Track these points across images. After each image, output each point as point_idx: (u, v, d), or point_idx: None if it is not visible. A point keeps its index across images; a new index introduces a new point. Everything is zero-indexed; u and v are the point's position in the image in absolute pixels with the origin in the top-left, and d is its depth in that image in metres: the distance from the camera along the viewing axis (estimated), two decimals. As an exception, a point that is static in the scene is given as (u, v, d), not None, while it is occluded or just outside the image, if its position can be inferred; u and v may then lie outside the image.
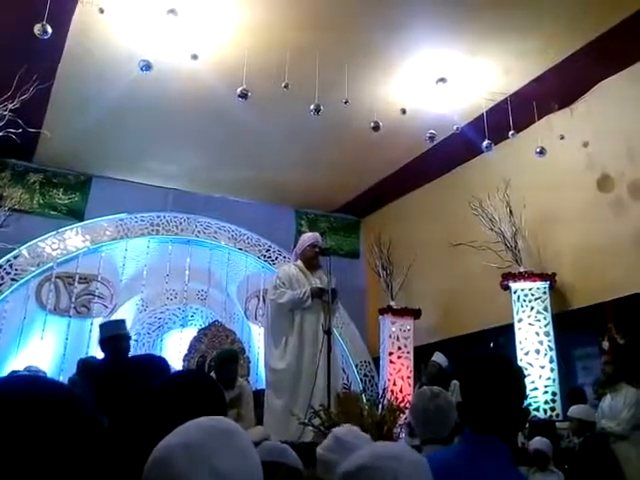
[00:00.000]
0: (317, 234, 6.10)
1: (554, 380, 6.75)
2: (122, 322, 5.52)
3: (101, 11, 5.43)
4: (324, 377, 4.96)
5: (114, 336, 5.05)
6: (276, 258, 9.79)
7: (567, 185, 7.22)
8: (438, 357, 6.83)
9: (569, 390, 6.54)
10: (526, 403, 6.45)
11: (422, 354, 8.15)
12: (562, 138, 6.83)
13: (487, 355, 2.23)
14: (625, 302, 6.21)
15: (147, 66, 5.62)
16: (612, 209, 6.70)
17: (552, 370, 6.79)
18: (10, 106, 6.11)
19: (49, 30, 4.85)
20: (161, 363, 2.45)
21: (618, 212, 6.63)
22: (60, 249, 8.60)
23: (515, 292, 7.20)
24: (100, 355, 5.40)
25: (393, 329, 8.80)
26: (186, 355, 8.44)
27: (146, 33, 6.04)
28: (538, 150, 6.69)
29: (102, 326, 5.45)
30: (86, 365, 5.59)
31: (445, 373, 6.56)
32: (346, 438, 2.18)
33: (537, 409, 6.59)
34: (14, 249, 8.16)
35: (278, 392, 5.31)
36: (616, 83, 6.74)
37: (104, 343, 5.10)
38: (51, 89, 6.89)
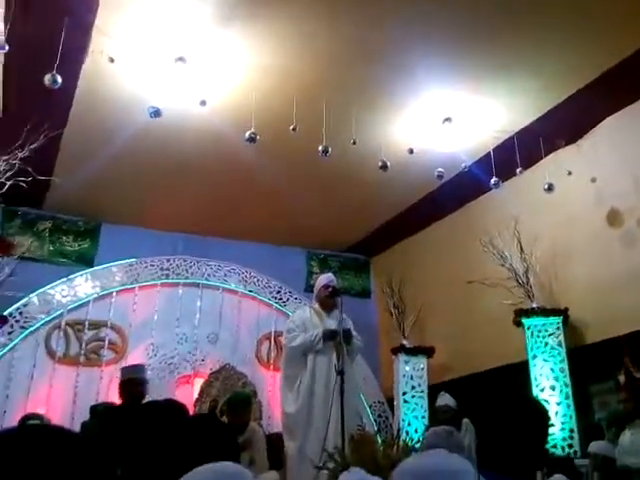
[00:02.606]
0: (330, 275, 6.13)
1: (571, 417, 6.64)
2: (139, 367, 5.59)
3: (111, 60, 5.52)
4: (337, 419, 4.90)
5: (128, 380, 5.11)
6: (287, 300, 9.75)
7: (577, 220, 7.21)
8: (446, 399, 6.71)
9: (586, 426, 6.44)
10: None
11: (436, 393, 8.05)
12: (570, 174, 6.85)
13: (511, 394, 2.18)
14: (640, 336, 6.14)
15: (156, 112, 5.71)
16: (623, 243, 6.66)
17: (568, 406, 6.69)
18: (20, 155, 6.18)
19: (59, 80, 4.94)
20: (179, 408, 2.44)
21: (629, 246, 6.59)
22: (70, 296, 8.60)
23: (529, 328, 7.12)
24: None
25: (407, 368, 8.73)
26: (197, 399, 8.36)
27: (155, 81, 6.12)
28: (546, 186, 6.69)
29: (121, 370, 5.52)
30: (99, 411, 5.63)
31: (456, 413, 6.48)
32: None
33: (555, 446, 6.47)
34: (24, 297, 8.16)
35: (292, 435, 5.32)
36: (621, 119, 6.76)
37: (120, 386, 5.18)
38: (61, 137, 6.96)
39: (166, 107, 5.84)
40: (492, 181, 6.73)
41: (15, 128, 6.11)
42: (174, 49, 5.76)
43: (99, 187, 8.27)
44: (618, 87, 6.29)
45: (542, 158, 7.18)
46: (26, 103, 6.23)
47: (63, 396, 8.10)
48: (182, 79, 5.98)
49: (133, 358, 8.40)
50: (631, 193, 6.59)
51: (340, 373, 5.08)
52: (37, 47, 5.39)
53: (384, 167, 6.39)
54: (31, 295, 8.28)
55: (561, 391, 6.77)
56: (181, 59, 5.80)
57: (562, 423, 6.62)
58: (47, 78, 4.93)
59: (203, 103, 5.93)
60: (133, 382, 5.08)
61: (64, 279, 8.63)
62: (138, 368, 5.49)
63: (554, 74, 6.17)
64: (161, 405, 2.58)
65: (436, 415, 6.88)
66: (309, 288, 9.29)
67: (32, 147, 6.19)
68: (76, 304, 8.62)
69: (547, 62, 6.00)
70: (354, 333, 5.70)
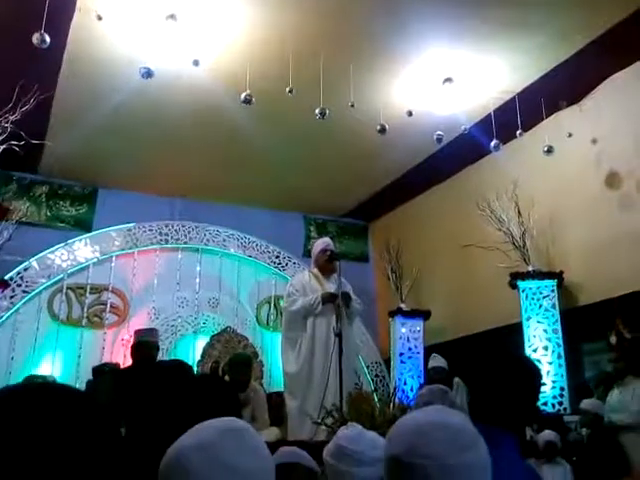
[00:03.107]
0: (327, 239, 6.17)
1: (562, 375, 6.81)
2: (153, 331, 5.68)
3: (99, 18, 5.39)
4: (336, 378, 5.03)
5: (140, 342, 5.20)
6: (286, 264, 9.80)
7: (575, 183, 7.21)
8: (439, 361, 6.82)
9: (576, 385, 6.62)
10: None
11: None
12: (570, 136, 6.80)
13: (502, 354, 2.24)
14: (633, 298, 6.20)
15: (148, 73, 5.56)
16: (620, 206, 6.68)
17: (560, 366, 6.85)
18: (11, 118, 6.09)
19: (47, 39, 4.81)
20: (185, 368, 2.50)
21: (626, 209, 6.61)
22: (70, 260, 8.65)
23: (523, 291, 7.23)
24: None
25: (403, 330, 8.89)
26: (199, 361, 8.49)
27: (146, 40, 5.99)
28: (546, 149, 6.66)
29: (135, 332, 5.64)
30: (106, 371, 5.75)
31: (448, 374, 6.59)
32: (350, 446, 2.13)
33: (545, 403, 6.64)
34: (24, 261, 8.20)
35: (293, 394, 5.53)
36: (624, 79, 6.67)
37: (132, 348, 5.32)
38: (52, 99, 6.83)
39: (158, 68, 5.70)
40: (492, 144, 6.69)
41: (4, 91, 6.01)
42: (164, 6, 5.61)
43: (93, 151, 8.21)
44: (622, 45, 6.18)
45: (543, 119, 7.10)
46: (14, 64, 6.11)
47: (67, 359, 8.23)
48: (173, 38, 5.83)
49: (136, 321, 8.51)
50: (631, 154, 6.57)
51: (338, 335, 5.17)
52: (23, 5, 5.29)
53: (382, 130, 6.32)
54: (31, 259, 8.32)
55: (553, 351, 6.92)
56: (172, 17, 5.64)
57: (553, 382, 6.79)
58: (35, 37, 4.78)
59: (196, 63, 5.78)
60: (146, 345, 5.18)
61: (63, 244, 8.66)
62: (152, 332, 5.59)
63: (557, 32, 6.04)
64: (168, 365, 2.63)
65: (429, 376, 6.98)
66: (307, 253, 9.33)
67: (23, 110, 6.07)
68: (76, 268, 8.68)
69: (550, 19, 5.88)
70: (353, 296, 5.79)
